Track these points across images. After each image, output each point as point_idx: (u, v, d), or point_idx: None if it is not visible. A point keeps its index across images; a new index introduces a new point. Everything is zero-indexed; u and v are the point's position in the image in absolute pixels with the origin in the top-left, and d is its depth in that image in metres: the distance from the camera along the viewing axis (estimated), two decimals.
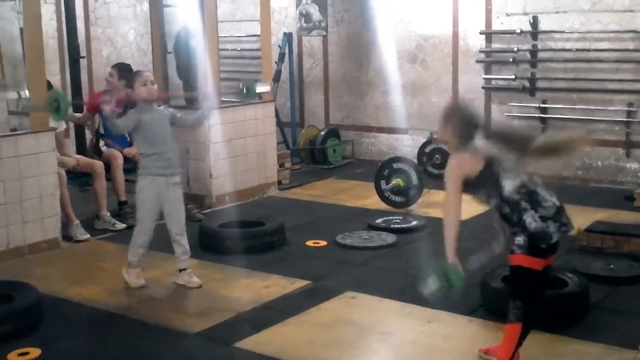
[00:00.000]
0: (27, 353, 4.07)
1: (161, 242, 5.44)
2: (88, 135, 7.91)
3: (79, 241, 6.23)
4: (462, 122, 3.72)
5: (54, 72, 10.16)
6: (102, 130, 7.02)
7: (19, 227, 5.75)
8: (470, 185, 3.66)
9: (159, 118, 5.09)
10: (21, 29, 6.88)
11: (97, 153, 7.02)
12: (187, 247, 5.21)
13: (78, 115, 7.38)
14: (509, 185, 3.59)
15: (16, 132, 6.11)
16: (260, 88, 5.44)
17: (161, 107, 5.23)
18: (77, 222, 6.32)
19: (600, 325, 4.32)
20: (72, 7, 8.01)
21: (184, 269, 5.20)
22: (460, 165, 3.66)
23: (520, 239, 3.57)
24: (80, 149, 7.58)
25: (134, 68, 10.73)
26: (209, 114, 5.55)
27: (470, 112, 3.81)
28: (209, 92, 5.29)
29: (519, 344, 3.62)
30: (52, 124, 6.23)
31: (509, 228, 3.64)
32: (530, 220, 3.55)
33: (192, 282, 5.19)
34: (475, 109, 3.88)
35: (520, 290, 3.63)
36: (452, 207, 3.63)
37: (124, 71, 6.99)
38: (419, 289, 3.74)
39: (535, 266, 3.60)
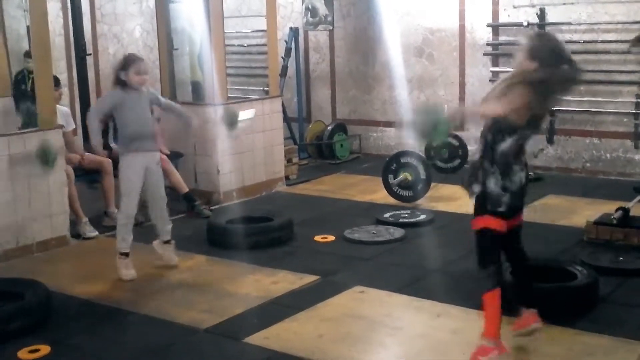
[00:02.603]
0: (37, 350, 4.08)
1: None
2: None
3: (88, 238, 6.25)
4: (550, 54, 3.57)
5: (61, 69, 10.17)
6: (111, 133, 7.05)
7: (27, 225, 5.77)
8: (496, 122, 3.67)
9: (141, 100, 5.30)
10: (28, 27, 6.91)
11: (106, 149, 7.02)
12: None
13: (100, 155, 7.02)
14: (503, 147, 3.65)
15: (24, 131, 6.12)
16: (244, 114, 5.74)
17: (144, 90, 5.38)
18: (85, 219, 6.34)
19: (609, 318, 4.30)
20: (78, 5, 8.02)
21: (169, 241, 5.51)
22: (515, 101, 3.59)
23: (476, 189, 3.70)
24: (88, 147, 7.58)
25: None
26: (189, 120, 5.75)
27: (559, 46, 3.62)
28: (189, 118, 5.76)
29: (500, 315, 3.65)
30: (60, 121, 6.25)
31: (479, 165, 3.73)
32: (493, 183, 3.66)
33: (171, 260, 5.49)
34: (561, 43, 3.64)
35: (489, 258, 3.71)
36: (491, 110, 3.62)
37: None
38: (408, 125, 3.58)
39: (498, 227, 3.68)
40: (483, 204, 3.71)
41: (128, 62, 5.26)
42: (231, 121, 5.85)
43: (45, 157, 5.00)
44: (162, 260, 5.50)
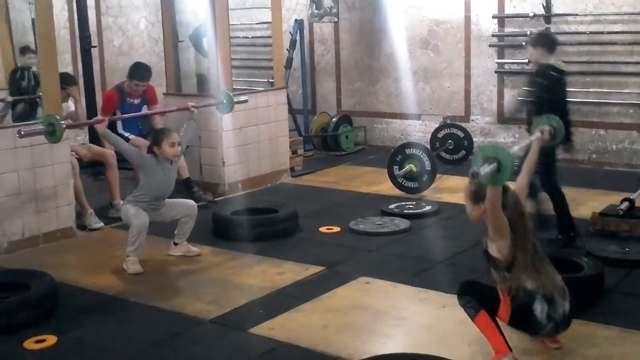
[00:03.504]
0: (43, 340, 4.10)
1: (173, 228, 5.51)
2: None
3: (93, 230, 6.27)
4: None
5: (66, 62, 10.17)
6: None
7: (33, 217, 5.79)
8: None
9: (170, 175, 5.36)
10: (33, 20, 6.91)
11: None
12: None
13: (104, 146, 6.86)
14: (530, 285, 3.55)
15: (30, 122, 6.12)
16: (238, 98, 5.90)
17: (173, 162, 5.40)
18: (91, 210, 6.35)
19: (615, 308, 4.30)
20: None
21: (175, 243, 5.53)
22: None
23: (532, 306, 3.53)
24: (93, 138, 7.59)
25: (146, 57, 10.81)
26: (195, 122, 5.76)
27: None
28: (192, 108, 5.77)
29: (499, 328, 3.58)
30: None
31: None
32: (540, 309, 3.53)
33: (191, 251, 5.50)
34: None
35: (469, 290, 3.63)
36: None
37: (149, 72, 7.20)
38: (473, 170, 3.27)
39: (501, 314, 3.59)
40: (524, 320, 3.58)
41: (160, 136, 5.29)
42: (229, 102, 5.95)
43: (51, 130, 5.00)
44: (186, 255, 5.51)
